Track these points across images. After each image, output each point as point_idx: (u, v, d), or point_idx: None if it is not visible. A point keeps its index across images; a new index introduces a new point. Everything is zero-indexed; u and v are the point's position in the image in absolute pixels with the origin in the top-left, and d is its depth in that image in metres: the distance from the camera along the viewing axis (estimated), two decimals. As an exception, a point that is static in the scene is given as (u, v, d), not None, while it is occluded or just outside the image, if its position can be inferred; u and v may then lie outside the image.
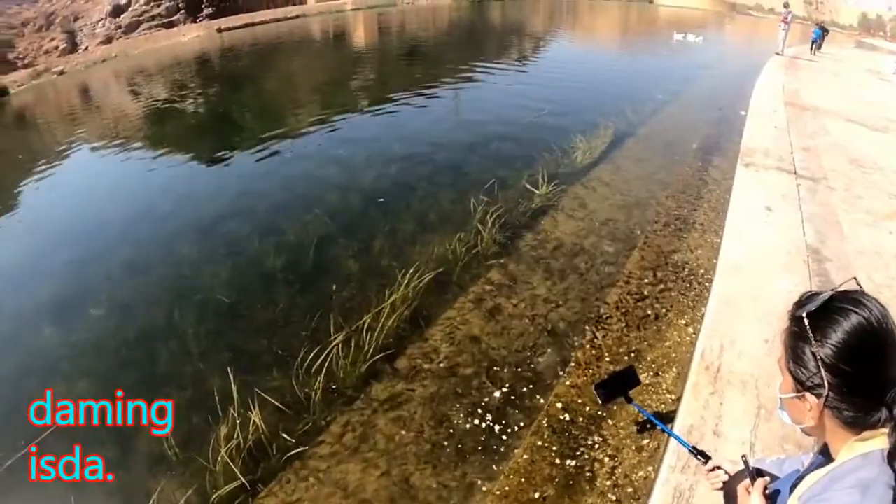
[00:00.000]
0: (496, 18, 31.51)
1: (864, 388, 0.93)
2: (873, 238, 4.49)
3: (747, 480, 1.30)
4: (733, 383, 2.84)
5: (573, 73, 14.02)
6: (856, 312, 0.93)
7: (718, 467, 1.59)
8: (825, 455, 1.04)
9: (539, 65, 16.00)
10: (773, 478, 1.29)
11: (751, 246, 4.31)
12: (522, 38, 22.96)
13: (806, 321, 0.97)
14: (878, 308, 0.94)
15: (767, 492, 1.22)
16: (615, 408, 3.05)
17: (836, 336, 0.93)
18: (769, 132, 7.48)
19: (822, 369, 0.94)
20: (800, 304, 1.02)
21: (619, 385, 2.70)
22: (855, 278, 1.05)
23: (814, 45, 17.33)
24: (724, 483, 1.46)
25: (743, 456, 1.39)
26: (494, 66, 14.92)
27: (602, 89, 12.28)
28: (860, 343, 0.92)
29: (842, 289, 1.01)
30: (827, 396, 0.95)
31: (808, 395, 0.98)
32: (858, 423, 0.95)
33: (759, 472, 1.31)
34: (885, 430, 0.91)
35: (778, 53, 16.15)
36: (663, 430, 2.53)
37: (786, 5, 16.81)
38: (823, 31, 17.53)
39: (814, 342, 0.95)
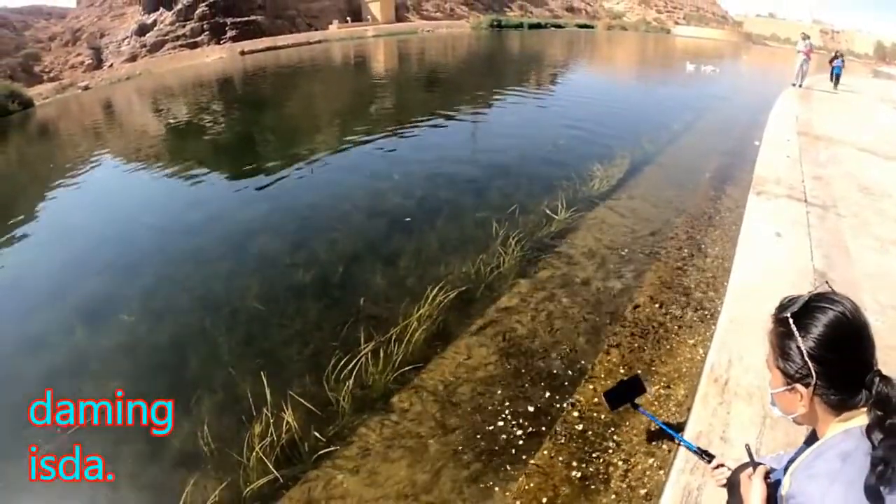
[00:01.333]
0: (515, 47, 32.03)
1: (845, 372, 1.08)
2: (880, 262, 4.60)
3: (750, 469, 1.42)
4: (740, 395, 2.99)
5: (591, 102, 14.30)
6: (831, 308, 1.09)
7: (722, 464, 1.76)
8: (814, 441, 1.18)
9: (557, 94, 16.27)
10: (773, 470, 1.40)
11: (760, 269, 4.45)
12: (541, 67, 23.33)
13: (791, 321, 1.13)
14: (850, 303, 1.10)
15: (769, 480, 1.34)
16: (627, 417, 3.21)
17: (818, 330, 1.08)
18: (782, 161, 7.62)
19: (809, 360, 1.09)
20: (782, 307, 1.18)
21: (626, 392, 2.93)
22: (827, 282, 1.24)
23: (836, 79, 16.84)
24: (727, 479, 1.59)
25: (746, 445, 1.54)
26: (513, 95, 15.26)
27: (619, 119, 12.47)
28: (839, 333, 1.07)
29: (816, 292, 1.16)
30: (815, 385, 1.10)
31: (798, 385, 1.12)
32: (843, 406, 1.08)
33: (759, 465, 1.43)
34: (866, 409, 1.04)
35: (796, 85, 16.04)
36: (671, 435, 2.72)
37: (806, 37, 16.35)
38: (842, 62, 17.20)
39: (799, 338, 1.10)
